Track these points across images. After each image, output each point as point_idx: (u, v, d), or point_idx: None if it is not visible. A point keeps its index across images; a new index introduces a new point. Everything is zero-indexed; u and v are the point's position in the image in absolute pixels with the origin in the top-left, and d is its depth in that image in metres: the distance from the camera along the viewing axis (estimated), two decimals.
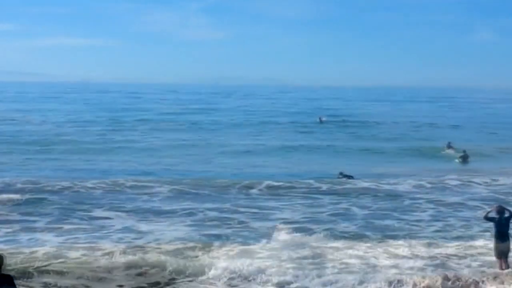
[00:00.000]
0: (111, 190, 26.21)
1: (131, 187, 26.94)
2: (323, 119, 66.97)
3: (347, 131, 58.09)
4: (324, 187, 27.65)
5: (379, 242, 18.27)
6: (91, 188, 26.45)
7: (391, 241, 18.27)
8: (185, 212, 22.68)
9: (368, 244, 17.93)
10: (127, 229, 19.92)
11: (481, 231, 19.12)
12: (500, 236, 15.42)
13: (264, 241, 18.29)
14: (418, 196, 25.99)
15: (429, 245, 17.81)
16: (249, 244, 17.93)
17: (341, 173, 30.03)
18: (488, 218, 15.81)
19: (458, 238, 18.88)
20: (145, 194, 25.77)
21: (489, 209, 16.13)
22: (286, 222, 21.00)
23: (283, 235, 18.69)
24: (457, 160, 38.34)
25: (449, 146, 42.55)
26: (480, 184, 29.05)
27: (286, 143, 46.19)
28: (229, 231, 19.83)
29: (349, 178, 29.49)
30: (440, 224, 21.15)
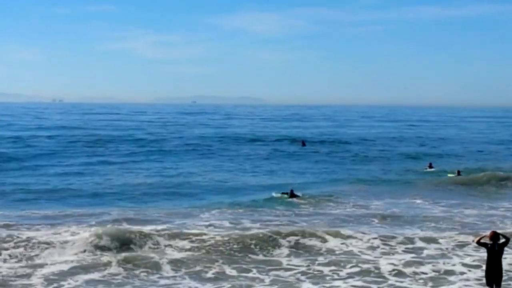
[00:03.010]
0: None
1: None
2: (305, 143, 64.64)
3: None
4: None
5: None
6: None
7: None
8: None
9: None
10: None
11: None
12: (493, 263, 14.72)
13: None
14: None
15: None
16: None
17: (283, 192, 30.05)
18: (481, 244, 15.10)
19: None
20: None
21: (483, 234, 15.43)
22: None
23: None
24: (451, 175, 38.98)
25: (431, 166, 42.93)
26: None
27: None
28: None
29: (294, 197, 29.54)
30: None
